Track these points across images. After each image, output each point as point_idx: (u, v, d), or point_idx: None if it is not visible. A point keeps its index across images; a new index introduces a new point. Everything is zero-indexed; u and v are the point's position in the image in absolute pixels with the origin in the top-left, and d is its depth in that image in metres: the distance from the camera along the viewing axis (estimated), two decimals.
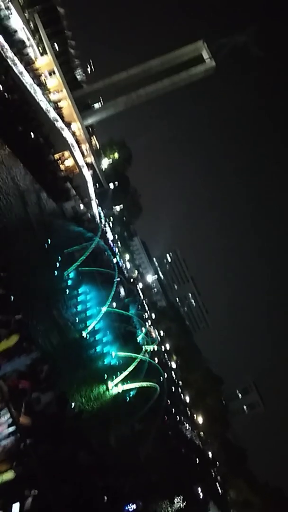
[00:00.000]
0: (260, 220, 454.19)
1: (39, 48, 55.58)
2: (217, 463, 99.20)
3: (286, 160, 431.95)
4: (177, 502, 36.89)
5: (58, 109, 44.57)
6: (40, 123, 33.80)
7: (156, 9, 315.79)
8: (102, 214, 77.46)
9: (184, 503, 38.18)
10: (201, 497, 58.82)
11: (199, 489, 58.90)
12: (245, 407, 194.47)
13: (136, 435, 33.47)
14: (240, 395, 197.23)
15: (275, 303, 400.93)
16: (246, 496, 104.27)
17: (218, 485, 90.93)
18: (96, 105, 74.38)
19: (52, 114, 39.87)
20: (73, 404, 17.38)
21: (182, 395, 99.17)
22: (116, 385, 29.61)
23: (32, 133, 29.18)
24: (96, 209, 67.01)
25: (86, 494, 11.40)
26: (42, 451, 10.44)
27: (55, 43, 61.92)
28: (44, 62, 54.21)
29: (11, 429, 10.53)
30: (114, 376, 30.31)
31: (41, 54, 55.29)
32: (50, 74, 56.20)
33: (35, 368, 13.35)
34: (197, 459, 70.65)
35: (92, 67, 77.92)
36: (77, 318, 28.13)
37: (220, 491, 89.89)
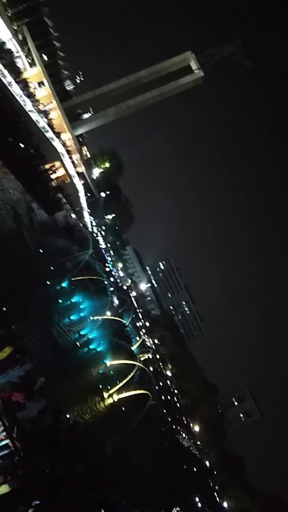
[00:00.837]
0: (255, 227, 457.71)
1: (28, 59, 55.82)
2: (215, 472, 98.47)
3: (280, 166, 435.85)
4: None
5: (48, 120, 44.62)
6: (30, 134, 33.79)
7: (145, 21, 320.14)
8: (94, 224, 77.48)
9: None
10: (199, 506, 58.24)
11: (197, 499, 58.34)
12: (241, 415, 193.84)
13: (131, 445, 33.12)
14: (236, 403, 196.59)
15: (269, 310, 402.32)
16: (244, 505, 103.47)
17: (216, 494, 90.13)
18: (86, 115, 74.74)
19: (42, 124, 39.93)
20: (68, 415, 17.17)
21: (178, 404, 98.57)
22: (111, 395, 29.36)
23: (22, 144, 29.15)
24: (88, 219, 66.99)
25: (82, 507, 11.21)
26: (37, 464, 10.26)
27: (44, 55, 62.23)
28: (33, 73, 54.38)
29: (5, 442, 10.36)
30: (109, 386, 30.07)
31: (30, 66, 55.51)
32: (39, 85, 56.38)
33: (28, 379, 13.17)
34: (194, 468, 70.05)
35: (81, 77, 78.37)
36: (70, 328, 27.92)
37: (218, 500, 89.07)
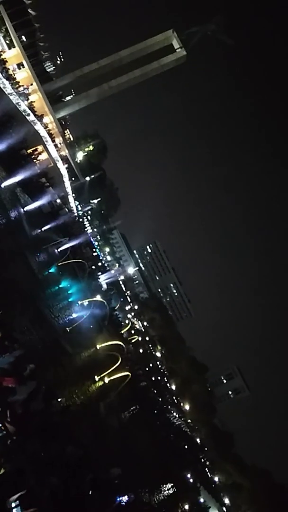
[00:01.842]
0: (241, 207, 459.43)
1: (6, 40, 54.22)
2: (205, 448, 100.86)
3: (264, 147, 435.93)
4: (168, 489, 37.39)
5: (29, 103, 43.67)
6: (11, 118, 33.12)
7: (125, 0, 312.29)
8: (79, 208, 76.86)
9: (175, 490, 38.73)
10: (191, 482, 59.79)
11: (189, 475, 59.83)
12: (230, 392, 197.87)
13: (123, 424, 33.68)
14: (225, 381, 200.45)
15: (256, 289, 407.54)
16: (234, 479, 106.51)
17: (207, 470, 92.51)
18: (68, 98, 73.35)
19: (23, 107, 39.12)
20: (59, 399, 17.32)
21: (168, 384, 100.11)
22: (102, 378, 29.68)
23: (3, 128, 28.61)
24: (73, 203, 66.40)
25: (75, 487, 11.43)
26: (30, 447, 10.40)
27: (22, 36, 60.50)
28: (12, 55, 52.95)
29: None
30: (99, 370, 30.38)
31: (9, 47, 53.98)
32: (19, 67, 54.96)
33: (18, 366, 13.22)
34: (186, 446, 71.64)
35: (62, 59, 76.49)
36: (60, 313, 27.97)
37: (209, 475, 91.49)
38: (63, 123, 71.68)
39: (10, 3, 57.24)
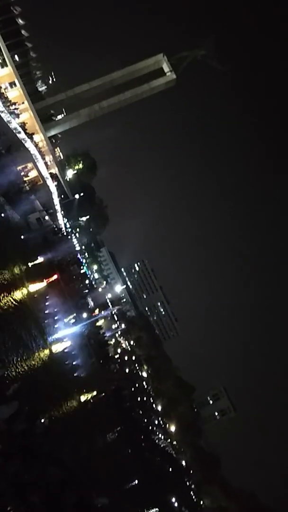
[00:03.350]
0: (230, 227, 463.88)
1: None
2: (191, 471, 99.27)
3: (258, 160, 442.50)
4: None
5: (20, 121, 44.08)
6: (2, 135, 33.35)
7: (118, 23, 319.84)
8: (68, 226, 76.86)
9: None
10: (176, 506, 58.62)
11: (174, 499, 58.70)
12: (216, 413, 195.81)
13: (107, 446, 33.09)
14: (211, 401, 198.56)
15: (243, 309, 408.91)
16: (220, 503, 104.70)
17: (192, 493, 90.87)
18: (59, 117, 74.12)
19: (14, 125, 39.43)
20: (42, 419, 17.02)
21: (154, 404, 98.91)
22: (85, 396, 29.27)
23: None
24: (62, 221, 66.41)
25: (58, 510, 11.17)
26: (12, 469, 10.17)
27: (15, 55, 61.41)
28: (5, 73, 53.67)
29: None
30: (84, 390, 29.97)
31: (1, 66, 54.71)
32: (11, 86, 55.62)
33: (1, 385, 13.04)
34: (170, 468, 70.46)
35: (54, 78, 77.61)
36: (45, 331, 27.65)
37: (194, 499, 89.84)
38: (54, 141, 72.29)
39: (4, 23, 58.35)
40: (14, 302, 23.50)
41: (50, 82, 75.74)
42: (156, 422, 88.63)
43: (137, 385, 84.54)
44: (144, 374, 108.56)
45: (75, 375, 30.88)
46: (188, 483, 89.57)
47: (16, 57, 61.75)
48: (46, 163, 53.51)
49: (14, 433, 11.40)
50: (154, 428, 78.38)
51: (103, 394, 31.79)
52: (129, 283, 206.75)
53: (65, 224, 71.02)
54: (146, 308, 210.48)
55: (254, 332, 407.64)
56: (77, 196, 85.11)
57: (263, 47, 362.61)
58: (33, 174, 48.06)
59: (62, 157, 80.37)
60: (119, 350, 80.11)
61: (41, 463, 11.42)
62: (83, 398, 28.93)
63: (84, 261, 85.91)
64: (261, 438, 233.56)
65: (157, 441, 71.51)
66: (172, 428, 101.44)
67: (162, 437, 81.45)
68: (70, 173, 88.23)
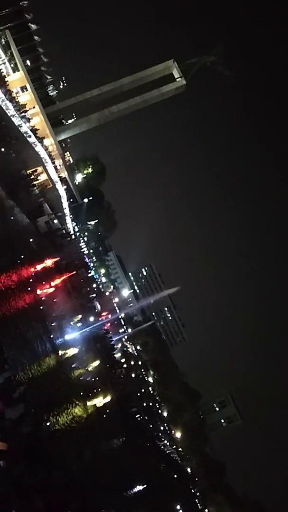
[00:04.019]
0: (237, 231, 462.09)
1: (11, 64, 55.57)
2: (196, 478, 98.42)
3: (265, 165, 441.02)
4: None
5: (31, 125, 44.42)
6: (12, 139, 33.63)
7: (129, 29, 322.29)
8: (76, 229, 77.19)
9: None
10: None
11: (178, 506, 58.18)
12: (222, 420, 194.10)
13: (112, 451, 32.92)
14: (217, 408, 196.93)
15: (251, 315, 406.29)
16: (225, 511, 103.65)
17: (197, 501, 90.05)
18: (70, 121, 74.67)
19: (25, 129, 39.74)
20: (48, 423, 17.00)
21: (159, 410, 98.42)
22: (91, 401, 29.19)
23: (3, 149, 29.00)
24: (70, 224, 66.70)
25: None
26: (16, 472, 10.14)
27: (27, 60, 62.07)
28: (16, 78, 54.17)
29: None
30: (89, 394, 29.90)
31: (13, 70, 55.27)
32: (22, 90, 56.16)
33: (7, 388, 13.03)
34: (175, 475, 69.93)
35: (65, 83, 78.33)
36: (52, 335, 27.68)
37: (199, 507, 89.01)
38: (64, 145, 72.77)
39: (16, 29, 59.00)
40: (21, 305, 23.58)
41: (61, 86, 76.43)
42: (162, 428, 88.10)
43: (143, 390, 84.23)
44: (150, 380, 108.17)
45: (81, 379, 30.83)
46: (193, 491, 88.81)
47: (28, 62, 62.42)
48: (55, 167, 53.82)
49: (20, 436, 11.38)
50: (160, 434, 77.93)
51: (109, 398, 31.71)
52: (136, 287, 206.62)
53: (73, 228, 71.34)
54: (153, 313, 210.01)
55: (263, 340, 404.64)
56: (86, 200, 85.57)
57: (268, 48, 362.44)
58: (43, 177, 48.33)
59: (71, 161, 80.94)
60: (125, 354, 79.99)
61: (46, 467, 11.39)
62: (88, 402, 28.85)
63: (92, 265, 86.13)
64: (267, 447, 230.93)
65: (162, 447, 71.05)
66: (178, 435, 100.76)
67: (168, 443, 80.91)
68: (79, 177, 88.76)
